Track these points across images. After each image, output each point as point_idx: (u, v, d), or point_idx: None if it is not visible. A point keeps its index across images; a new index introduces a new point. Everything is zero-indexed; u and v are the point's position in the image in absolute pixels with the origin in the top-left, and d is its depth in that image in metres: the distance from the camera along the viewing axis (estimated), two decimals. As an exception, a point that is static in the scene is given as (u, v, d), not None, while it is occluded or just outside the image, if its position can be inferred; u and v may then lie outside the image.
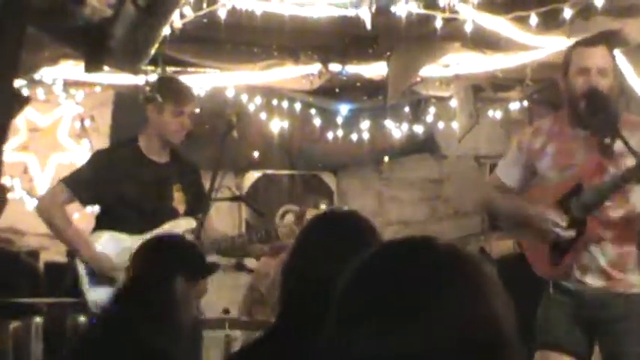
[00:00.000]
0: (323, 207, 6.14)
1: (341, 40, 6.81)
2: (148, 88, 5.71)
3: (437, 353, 1.43)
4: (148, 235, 5.42)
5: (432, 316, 1.44)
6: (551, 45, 6.16)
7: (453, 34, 6.23)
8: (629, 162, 4.22)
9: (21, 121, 7.41)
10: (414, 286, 1.47)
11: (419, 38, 6.36)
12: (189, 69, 6.96)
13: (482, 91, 7.73)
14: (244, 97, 7.65)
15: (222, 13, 5.77)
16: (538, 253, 4.53)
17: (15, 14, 1.55)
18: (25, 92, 6.52)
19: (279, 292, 2.83)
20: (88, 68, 5.40)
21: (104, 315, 3.67)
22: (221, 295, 7.10)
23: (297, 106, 7.89)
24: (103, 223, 5.59)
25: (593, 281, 4.42)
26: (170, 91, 5.50)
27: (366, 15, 5.74)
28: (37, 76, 6.86)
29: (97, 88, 7.58)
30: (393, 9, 5.77)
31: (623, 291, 4.41)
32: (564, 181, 4.47)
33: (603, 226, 4.37)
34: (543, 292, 4.58)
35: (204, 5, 5.73)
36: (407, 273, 1.49)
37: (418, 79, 7.24)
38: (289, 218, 5.90)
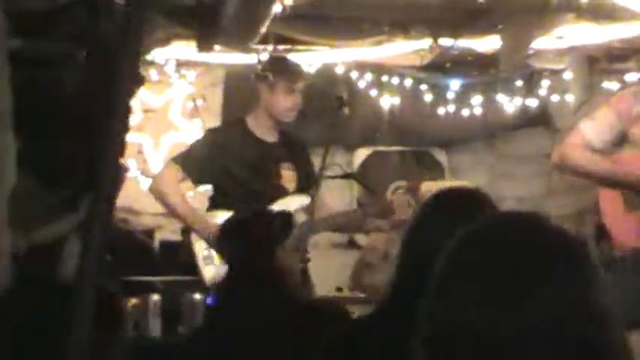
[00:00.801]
0: (435, 181, 6.08)
1: (452, 13, 6.72)
2: (259, 67, 5.73)
3: (536, 333, 1.40)
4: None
5: (538, 295, 1.41)
6: (671, 13, 5.98)
7: (567, 4, 6.09)
8: None
9: (135, 102, 7.51)
10: (522, 261, 1.44)
11: (532, 10, 6.23)
12: (298, 47, 6.96)
13: (598, 62, 7.55)
14: (354, 74, 7.61)
15: (332, -11, 5.74)
16: (624, 223, 4.38)
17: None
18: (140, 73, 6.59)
19: (395, 266, 2.82)
20: (201, 48, 5.44)
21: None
22: (332, 273, 7.11)
23: (408, 82, 7.82)
24: (215, 202, 5.65)
25: None
26: (282, 69, 5.53)
27: (478, -13, 5.64)
28: (149, 57, 6.93)
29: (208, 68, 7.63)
30: (505, -20, 5.67)
31: None
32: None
33: None
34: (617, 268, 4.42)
35: (315, -18, 5.71)
36: (518, 247, 1.47)
37: (531, 51, 7.09)
38: (401, 194, 5.83)
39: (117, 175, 1.58)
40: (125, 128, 1.56)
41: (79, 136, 3.04)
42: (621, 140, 4.46)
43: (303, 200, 5.52)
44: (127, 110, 1.54)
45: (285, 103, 5.51)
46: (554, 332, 1.41)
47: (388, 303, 2.78)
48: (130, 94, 1.59)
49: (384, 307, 2.80)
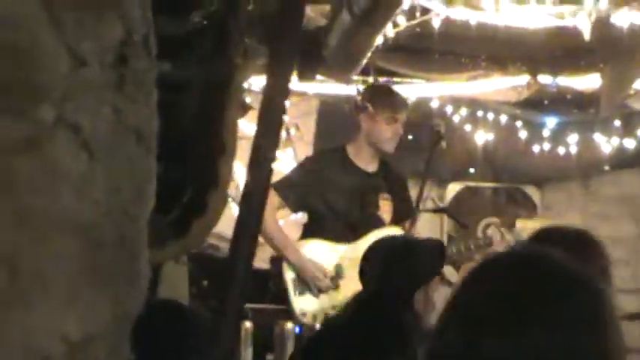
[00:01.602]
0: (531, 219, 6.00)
1: (552, 50, 6.65)
2: (359, 97, 5.72)
3: None
4: (354, 245, 5.43)
5: (536, 337, 1.35)
6: None
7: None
8: None
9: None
10: (519, 301, 1.38)
11: (636, 50, 6.14)
12: (396, 79, 6.94)
13: (698, 104, 7.40)
14: (449, 109, 7.57)
15: (435, 23, 5.71)
16: None
17: (294, 15, 1.54)
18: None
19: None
20: (302, 77, 5.44)
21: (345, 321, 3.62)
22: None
23: (503, 118, 7.75)
24: (309, 230, 5.63)
25: None
26: (385, 98, 5.51)
27: (584, 25, 5.56)
28: (245, 85, 6.97)
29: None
30: (613, 19, 5.57)
31: None
32: None
33: None
34: None
35: (418, 14, 5.68)
36: (515, 287, 1.41)
37: (632, 91, 6.98)
38: (496, 229, 5.77)
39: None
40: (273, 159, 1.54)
41: (189, 160, 3.05)
42: None
43: (398, 233, 5.49)
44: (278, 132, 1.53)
45: (386, 132, 5.49)
46: None
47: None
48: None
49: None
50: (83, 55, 1.49)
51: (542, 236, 2.91)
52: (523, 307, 1.39)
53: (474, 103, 7.63)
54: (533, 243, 2.86)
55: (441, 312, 1.49)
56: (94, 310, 1.48)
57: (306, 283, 5.47)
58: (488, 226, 7.92)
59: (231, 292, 1.45)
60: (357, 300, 3.59)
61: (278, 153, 7.74)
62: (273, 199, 5.54)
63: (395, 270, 3.73)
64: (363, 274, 3.89)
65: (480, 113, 7.74)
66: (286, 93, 1.45)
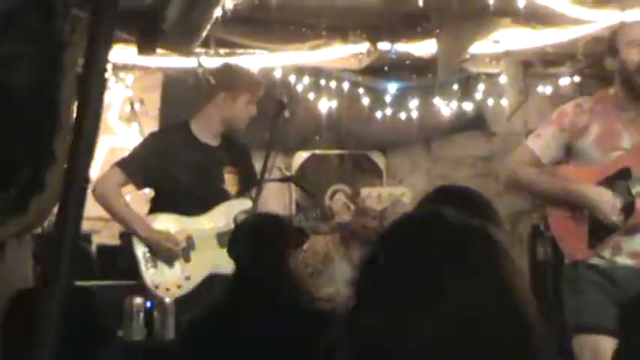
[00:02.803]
0: (374, 187, 6.13)
1: (390, 18, 6.77)
2: (204, 72, 5.73)
3: (451, 338, 1.41)
4: (202, 218, 5.47)
5: (445, 295, 1.42)
6: (605, 19, 6.09)
7: (504, 9, 6.18)
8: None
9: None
10: (427, 264, 1.45)
11: (469, 14, 6.31)
12: (237, 50, 6.96)
13: (532, 66, 7.66)
14: (292, 78, 7.63)
15: (273, -6, 5.76)
16: (571, 234, 4.44)
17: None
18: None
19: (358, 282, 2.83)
20: (141, 51, 5.39)
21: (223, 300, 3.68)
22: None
23: (346, 85, 7.86)
24: (156, 206, 5.63)
25: (623, 261, 4.36)
26: (245, 80, 5.56)
27: (417, -9, 5.69)
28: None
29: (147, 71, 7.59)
30: (444, -15, 5.73)
31: None
32: (609, 162, 4.39)
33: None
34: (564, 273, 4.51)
35: (255, -15, 5.72)
36: (419, 253, 1.48)
37: (467, 55, 7.18)
38: (339, 198, 5.87)
39: (87, 179, 1.58)
40: (96, 131, 1.56)
41: (25, 137, 3.02)
42: (567, 153, 4.52)
43: (244, 204, 5.53)
44: (98, 115, 1.54)
45: (243, 113, 5.55)
46: (469, 329, 1.42)
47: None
48: (100, 99, 1.59)
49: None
50: None
51: (434, 197, 3.02)
52: (438, 266, 1.47)
53: (316, 72, 7.71)
54: (427, 203, 2.95)
55: (354, 282, 1.51)
56: None
57: (157, 256, 5.47)
58: (335, 193, 8.04)
59: (58, 267, 1.46)
60: (237, 278, 3.73)
61: (123, 128, 7.72)
62: (119, 176, 5.52)
63: (264, 246, 3.87)
64: (232, 251, 4.01)
65: (322, 82, 7.83)
66: (104, 65, 1.45)
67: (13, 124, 2.75)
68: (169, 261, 5.42)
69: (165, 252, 5.42)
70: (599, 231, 4.36)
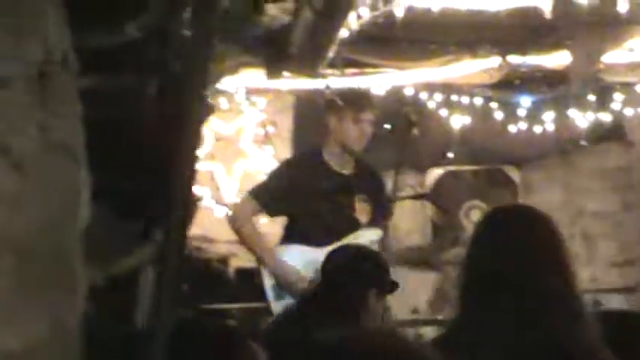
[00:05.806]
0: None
1: (519, 31, 6.69)
2: (327, 92, 5.76)
3: None
4: (332, 247, 5.47)
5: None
6: None
7: (638, 16, 6.03)
8: None
9: (206, 130, 7.58)
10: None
11: (601, 23, 6.18)
12: (367, 70, 6.98)
13: (671, 73, 7.44)
14: (423, 95, 7.60)
15: (398, 12, 5.75)
16: None
17: (205, 26, 1.58)
18: (210, 102, 6.65)
19: (458, 287, 2.85)
20: (270, 75, 5.48)
21: (289, 315, 3.69)
22: (408, 293, 7.07)
23: (478, 100, 7.78)
24: (288, 234, 5.65)
25: None
26: (349, 98, 5.55)
27: (545, 4, 5.60)
28: (219, 86, 7.00)
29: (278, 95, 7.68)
30: (571, -5, 5.62)
31: None
32: None
33: None
34: None
35: (380, 5, 5.72)
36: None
37: (602, 65, 7.02)
38: (475, 214, 5.80)
39: (189, 204, 1.60)
40: (195, 157, 1.58)
41: (152, 168, 3.08)
42: None
43: (376, 233, 5.51)
44: (197, 139, 1.56)
45: (352, 131, 5.52)
46: None
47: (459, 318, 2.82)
48: (200, 123, 1.61)
49: (452, 327, 2.85)
50: (4, 76, 1.53)
51: (489, 218, 3.03)
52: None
53: (448, 88, 7.66)
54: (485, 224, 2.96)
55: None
56: (31, 323, 1.52)
57: (284, 288, 5.49)
58: (470, 209, 7.96)
59: (163, 295, 1.49)
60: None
61: (257, 151, 7.83)
62: (251, 205, 5.58)
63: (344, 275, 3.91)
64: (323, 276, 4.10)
65: (454, 97, 7.76)
66: (204, 81, 1.48)
67: (138, 157, 2.81)
68: (294, 294, 5.43)
69: (289, 286, 5.43)
70: None
